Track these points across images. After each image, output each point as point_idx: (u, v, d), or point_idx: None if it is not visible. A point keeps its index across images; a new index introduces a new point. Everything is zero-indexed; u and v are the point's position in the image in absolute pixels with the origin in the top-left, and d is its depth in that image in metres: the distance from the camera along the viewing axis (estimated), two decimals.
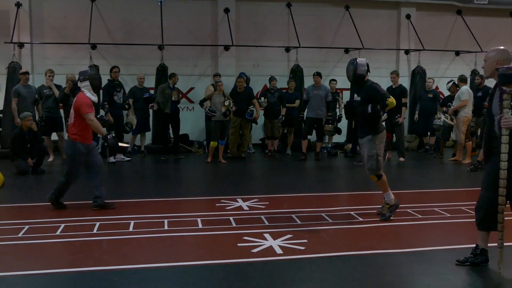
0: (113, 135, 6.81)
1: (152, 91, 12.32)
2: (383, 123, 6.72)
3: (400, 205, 7.16)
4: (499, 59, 4.49)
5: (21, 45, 12.87)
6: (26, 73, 11.20)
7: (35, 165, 9.90)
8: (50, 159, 11.20)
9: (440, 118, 12.75)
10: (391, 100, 6.23)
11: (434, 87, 14.70)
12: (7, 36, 12.63)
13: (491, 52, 4.59)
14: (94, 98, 6.74)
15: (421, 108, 13.18)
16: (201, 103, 11.58)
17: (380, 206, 6.68)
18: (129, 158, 11.58)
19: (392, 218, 6.45)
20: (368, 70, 6.67)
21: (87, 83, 6.68)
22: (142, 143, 12.55)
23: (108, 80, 11.70)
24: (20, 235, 5.67)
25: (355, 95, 6.73)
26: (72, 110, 6.74)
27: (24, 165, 9.73)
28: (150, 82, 13.20)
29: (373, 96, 6.37)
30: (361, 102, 6.48)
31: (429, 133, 13.58)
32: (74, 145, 6.67)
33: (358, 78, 6.63)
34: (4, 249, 5.25)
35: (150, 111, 12.34)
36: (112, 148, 6.59)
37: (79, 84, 6.82)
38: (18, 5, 12.87)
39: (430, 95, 12.92)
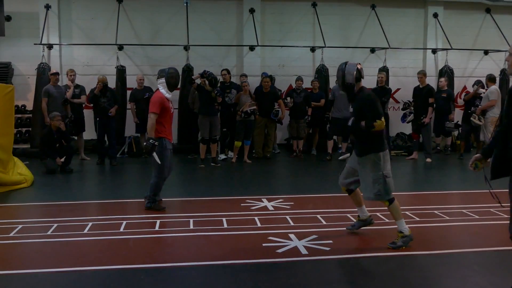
0: (155, 144, 6.66)
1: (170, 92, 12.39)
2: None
3: (427, 207, 7.09)
4: None
5: (50, 46, 13.11)
6: (57, 73, 11.38)
7: (64, 164, 10.06)
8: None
9: (452, 120, 12.58)
10: (380, 123, 5.19)
11: (462, 87, 14.53)
12: (36, 37, 12.86)
13: None
14: (169, 95, 6.84)
15: (435, 108, 12.88)
16: (239, 110, 11.52)
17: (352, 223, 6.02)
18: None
19: (418, 219, 6.38)
20: (361, 77, 5.45)
21: (162, 80, 6.82)
22: None
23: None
24: (49, 233, 5.78)
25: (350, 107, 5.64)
26: None
27: (52, 164, 9.90)
28: None
29: (365, 110, 5.29)
30: (354, 115, 5.42)
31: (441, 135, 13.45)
32: (160, 141, 6.70)
33: (348, 87, 5.47)
34: (33, 246, 5.35)
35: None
36: (147, 152, 6.66)
37: (157, 81, 6.94)
38: (48, 7, 13.11)
39: (444, 95, 12.58)
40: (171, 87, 6.84)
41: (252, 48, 13.86)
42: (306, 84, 12.93)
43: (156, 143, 6.60)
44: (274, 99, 11.82)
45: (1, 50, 13.21)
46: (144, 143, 6.70)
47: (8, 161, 8.57)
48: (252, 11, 13.86)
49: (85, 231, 5.87)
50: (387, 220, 6.33)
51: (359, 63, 5.56)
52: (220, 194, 8.10)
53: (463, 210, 6.85)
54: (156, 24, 13.91)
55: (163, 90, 6.80)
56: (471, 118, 11.51)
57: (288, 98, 12.40)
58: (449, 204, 7.36)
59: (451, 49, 14.15)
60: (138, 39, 13.69)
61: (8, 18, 12.85)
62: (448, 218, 6.50)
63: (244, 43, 13.91)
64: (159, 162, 6.64)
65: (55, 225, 6.08)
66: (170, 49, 13.46)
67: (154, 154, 6.61)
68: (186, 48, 13.37)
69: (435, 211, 6.81)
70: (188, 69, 12.98)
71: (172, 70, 6.94)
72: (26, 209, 7.38)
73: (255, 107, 11.35)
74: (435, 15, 14.62)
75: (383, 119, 5.24)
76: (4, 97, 8.51)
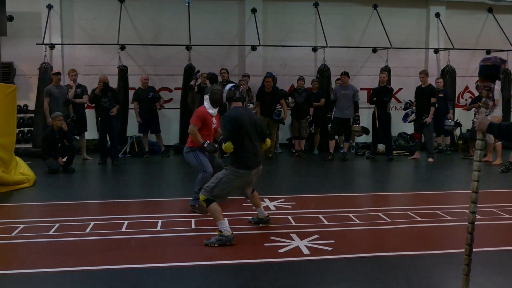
0: (208, 142, 6.90)
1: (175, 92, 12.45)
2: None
3: (429, 206, 7.06)
4: None
5: (52, 46, 13.13)
6: (58, 73, 11.40)
7: (66, 164, 10.07)
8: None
9: (451, 119, 12.59)
10: (225, 146, 5.47)
11: (464, 86, 14.53)
12: (38, 37, 12.87)
13: None
14: (212, 111, 6.97)
15: None
16: None
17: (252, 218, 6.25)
18: None
19: (420, 219, 6.37)
20: (233, 97, 5.71)
21: (207, 96, 7.00)
22: (160, 143, 12.66)
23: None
24: (51, 232, 5.78)
25: None
26: None
27: (55, 164, 9.91)
28: (178, 83, 13.33)
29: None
30: None
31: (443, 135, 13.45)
32: (194, 148, 6.94)
33: (222, 106, 6.02)
34: (35, 246, 5.35)
35: (159, 111, 12.63)
36: (212, 152, 6.87)
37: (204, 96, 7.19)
38: (50, 7, 13.13)
39: (441, 95, 12.53)
40: (213, 103, 6.97)
41: (254, 48, 13.87)
42: (308, 84, 12.93)
43: (207, 142, 6.85)
44: (276, 99, 11.82)
45: (3, 50, 13.22)
46: (206, 153, 6.92)
47: (11, 161, 8.59)
48: (254, 11, 13.86)
49: (87, 231, 5.87)
50: (389, 220, 6.33)
51: (240, 85, 5.91)
52: None
53: (465, 210, 6.80)
54: (158, 24, 13.92)
55: (207, 105, 6.97)
56: (474, 119, 11.50)
57: (290, 98, 12.40)
58: (451, 204, 7.35)
59: (453, 48, 14.14)
60: (140, 39, 13.71)
61: (10, 18, 12.87)
62: (450, 218, 6.49)
63: (246, 43, 13.92)
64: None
65: (57, 224, 6.08)
66: (172, 49, 13.48)
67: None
68: (188, 48, 13.38)
69: (437, 211, 6.79)
70: (190, 69, 12.99)
71: (216, 87, 7.10)
72: (28, 209, 7.39)
73: (252, 109, 11.37)
74: (437, 15, 14.62)
75: (229, 143, 5.42)
76: (6, 97, 8.53)
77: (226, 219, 5.39)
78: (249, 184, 5.91)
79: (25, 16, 13.29)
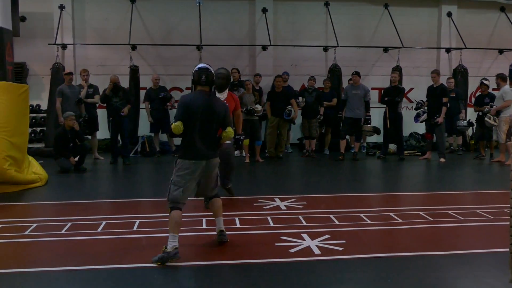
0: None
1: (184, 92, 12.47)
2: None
3: (441, 207, 7.03)
4: None
5: (64, 46, 13.21)
6: (70, 73, 11.46)
7: (77, 163, 10.12)
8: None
9: (463, 119, 12.52)
10: (174, 126, 5.04)
11: (476, 86, 14.42)
12: (51, 37, 12.97)
13: None
14: (220, 95, 6.78)
15: None
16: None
17: None
18: None
19: (432, 219, 6.33)
20: (199, 80, 5.15)
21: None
22: (171, 143, 12.67)
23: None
24: (63, 231, 5.81)
25: None
26: None
27: (66, 163, 9.96)
28: (189, 82, 13.26)
29: None
30: None
31: (454, 135, 13.40)
32: None
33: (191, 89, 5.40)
34: (48, 245, 5.39)
35: (170, 111, 12.59)
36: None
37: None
38: (62, 7, 13.22)
39: (453, 94, 12.49)
40: (217, 88, 6.79)
41: (264, 47, 13.87)
42: (319, 83, 12.91)
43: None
44: (286, 99, 11.80)
45: (16, 50, 13.19)
46: (235, 146, 6.77)
47: (23, 160, 8.65)
48: (264, 10, 13.86)
49: (99, 230, 5.90)
50: (400, 220, 6.30)
51: (208, 67, 5.22)
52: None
53: (477, 211, 6.80)
54: (168, 24, 13.96)
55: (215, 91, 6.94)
56: (486, 119, 11.40)
57: (300, 98, 12.39)
58: (463, 204, 7.30)
59: (465, 48, 14.05)
60: (151, 39, 13.76)
61: (23, 19, 12.95)
62: (462, 218, 6.45)
63: (256, 42, 13.92)
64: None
65: (69, 223, 6.12)
66: (182, 49, 13.51)
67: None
68: (198, 48, 13.41)
69: (449, 211, 6.75)
70: None
71: (220, 71, 6.96)
72: (40, 208, 7.45)
73: (260, 111, 11.42)
74: (449, 14, 14.53)
75: (179, 123, 4.99)
76: (19, 96, 8.60)
77: (178, 235, 4.82)
78: (203, 188, 5.31)
79: (38, 16, 13.39)
